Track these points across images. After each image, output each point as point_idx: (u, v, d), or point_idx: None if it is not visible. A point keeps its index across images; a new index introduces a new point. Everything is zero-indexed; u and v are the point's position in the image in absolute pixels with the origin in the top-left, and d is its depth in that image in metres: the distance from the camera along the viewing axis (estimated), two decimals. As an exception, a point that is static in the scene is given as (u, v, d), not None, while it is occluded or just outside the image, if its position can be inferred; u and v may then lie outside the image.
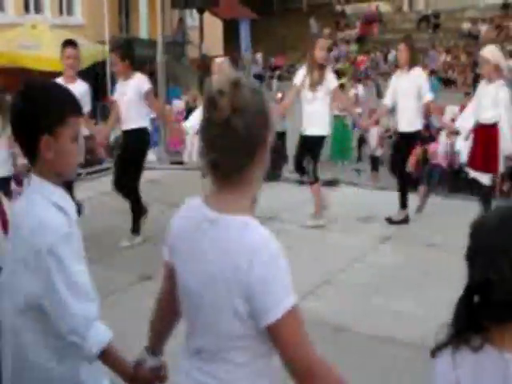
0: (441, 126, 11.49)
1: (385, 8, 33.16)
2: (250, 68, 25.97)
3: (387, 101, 6.88)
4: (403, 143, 6.83)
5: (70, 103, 1.93)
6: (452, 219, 6.28)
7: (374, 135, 17.07)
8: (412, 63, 6.51)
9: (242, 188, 1.66)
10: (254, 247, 1.58)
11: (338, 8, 34.84)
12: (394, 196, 6.76)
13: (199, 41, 18.09)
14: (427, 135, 14.51)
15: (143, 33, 19.07)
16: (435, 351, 1.57)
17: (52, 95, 1.92)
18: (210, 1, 16.85)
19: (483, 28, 28.10)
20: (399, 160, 6.84)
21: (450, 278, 1.69)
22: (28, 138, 1.89)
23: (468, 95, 18.37)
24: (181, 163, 12.01)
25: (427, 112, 7.66)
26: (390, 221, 6.59)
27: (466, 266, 1.51)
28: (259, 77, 28.13)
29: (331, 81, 6.56)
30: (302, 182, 7.22)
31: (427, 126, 14.47)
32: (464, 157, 12.92)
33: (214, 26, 23.02)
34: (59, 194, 1.95)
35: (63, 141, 1.88)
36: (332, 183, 7.80)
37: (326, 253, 5.78)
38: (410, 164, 7.84)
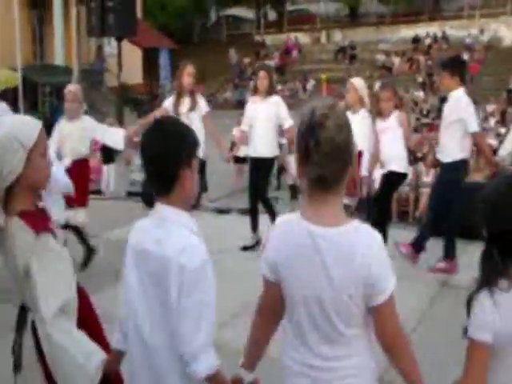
0: None
1: (303, 39, 33.95)
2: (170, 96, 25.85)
3: (244, 127, 6.88)
4: (255, 168, 6.88)
5: None
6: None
7: (293, 164, 17.25)
8: (270, 90, 6.62)
9: (340, 199, 1.95)
10: (371, 245, 1.91)
11: (258, 38, 35.42)
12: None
13: (118, 69, 17.81)
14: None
15: (59, 60, 18.64)
16: (470, 297, 1.96)
17: None
18: (128, 30, 16.61)
19: (396, 60, 29.21)
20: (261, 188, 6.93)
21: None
22: None
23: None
24: (98, 192, 11.67)
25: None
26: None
27: (484, 225, 1.97)
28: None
29: (203, 107, 6.67)
30: (221, 211, 7.14)
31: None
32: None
33: (133, 55, 22.84)
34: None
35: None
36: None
37: (246, 281, 5.67)
38: None
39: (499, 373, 1.97)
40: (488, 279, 1.92)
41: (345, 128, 1.89)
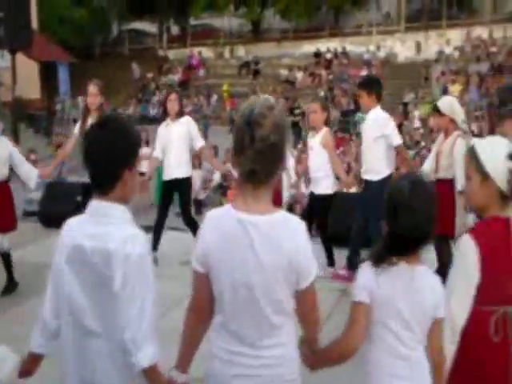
0: (218, 171, 11.85)
1: (207, 54, 33.95)
2: (70, 112, 25.05)
3: (157, 153, 6.91)
4: (170, 190, 7.01)
5: None
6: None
7: (197, 178, 17.09)
8: (181, 111, 6.78)
9: (269, 192, 2.05)
10: (298, 233, 2.04)
11: (161, 53, 35.09)
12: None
13: (12, 83, 17.01)
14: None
15: None
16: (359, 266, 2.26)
17: None
18: (22, 42, 15.88)
19: (299, 75, 29.74)
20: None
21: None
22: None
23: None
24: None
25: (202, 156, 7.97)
26: None
27: (387, 220, 2.21)
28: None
29: None
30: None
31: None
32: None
33: (28, 68, 21.93)
34: None
35: None
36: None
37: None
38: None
39: (375, 345, 2.24)
40: (376, 254, 2.22)
41: (281, 128, 2.00)
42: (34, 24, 25.31)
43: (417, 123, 22.02)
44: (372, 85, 6.30)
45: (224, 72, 31.82)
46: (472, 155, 2.47)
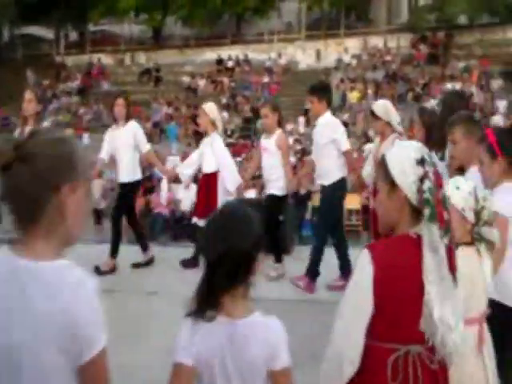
0: (163, 175, 11.85)
1: (107, 61, 33.17)
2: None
3: (103, 154, 6.99)
4: (123, 193, 6.97)
5: None
6: (172, 267, 6.67)
7: (97, 187, 16.59)
8: (128, 117, 6.83)
9: (51, 232, 1.67)
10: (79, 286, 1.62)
11: (59, 59, 33.94)
12: (120, 248, 6.85)
13: None
14: (150, 185, 14.53)
15: None
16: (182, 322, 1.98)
17: None
18: None
19: (201, 82, 29.61)
20: (120, 210, 6.93)
21: (169, 326, 1.96)
22: None
23: (189, 146, 19.03)
24: None
25: (148, 162, 8.05)
26: (98, 271, 6.52)
27: (202, 254, 2.01)
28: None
29: None
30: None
31: (150, 176, 14.51)
32: (186, 204, 13.27)
33: None
34: None
35: None
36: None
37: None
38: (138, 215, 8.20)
39: None
40: (196, 308, 1.98)
41: (36, 159, 1.65)
42: None
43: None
44: (323, 90, 6.39)
45: (124, 79, 31.18)
46: (380, 162, 2.19)
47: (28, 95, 6.65)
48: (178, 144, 22.31)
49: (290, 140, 21.27)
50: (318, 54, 31.03)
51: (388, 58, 27.98)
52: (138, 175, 7.00)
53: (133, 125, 6.89)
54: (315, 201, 11.37)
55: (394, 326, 2.06)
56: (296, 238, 10.78)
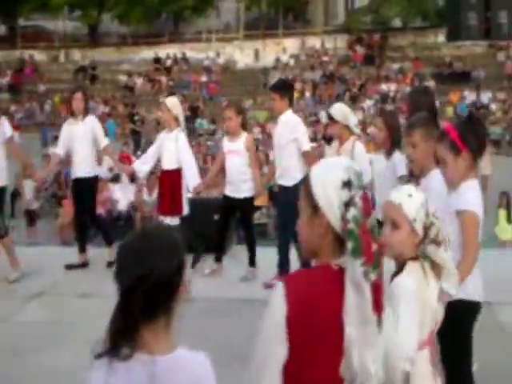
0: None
1: (40, 57, 32.28)
2: None
3: (59, 150, 6.91)
4: (78, 189, 6.88)
5: None
6: (108, 269, 6.45)
7: (29, 188, 16.07)
8: (86, 111, 6.80)
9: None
10: None
11: (-14, 55, 32.80)
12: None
13: None
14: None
15: None
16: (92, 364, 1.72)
17: None
18: None
19: (138, 81, 29.21)
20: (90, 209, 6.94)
21: (103, 329, 1.72)
22: None
23: (126, 145, 18.68)
24: None
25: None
26: (69, 267, 6.68)
27: (115, 280, 1.73)
28: None
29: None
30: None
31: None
32: (123, 204, 13.03)
33: None
34: None
35: None
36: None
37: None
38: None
39: None
40: (111, 344, 1.69)
41: None
42: None
43: (255, 129, 22.48)
44: (285, 88, 6.31)
45: (59, 77, 30.42)
46: (304, 182, 1.91)
47: None
48: (114, 143, 21.91)
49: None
50: (257, 54, 31.15)
51: (325, 58, 28.36)
52: (95, 170, 6.97)
53: (91, 119, 6.83)
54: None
55: (308, 368, 1.80)
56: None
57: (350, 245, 1.76)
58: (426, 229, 2.38)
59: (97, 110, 26.05)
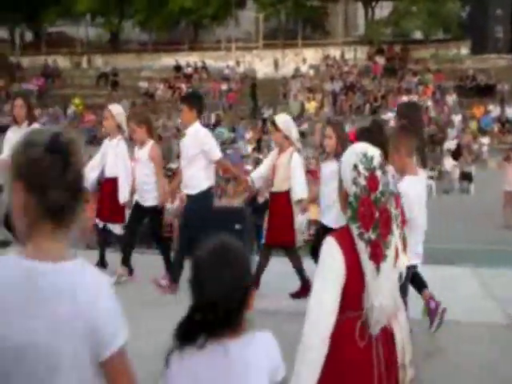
0: None
1: (63, 63, 32.67)
2: None
3: (4, 156, 6.52)
4: None
5: None
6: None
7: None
8: (30, 118, 6.48)
9: (68, 232, 1.72)
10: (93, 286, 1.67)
11: (13, 60, 33.22)
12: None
13: None
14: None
15: None
16: (167, 359, 1.92)
17: None
18: None
19: (159, 87, 29.47)
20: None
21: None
22: None
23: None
24: None
25: None
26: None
27: (192, 291, 1.91)
28: None
29: None
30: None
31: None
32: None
33: None
34: None
35: None
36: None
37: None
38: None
39: None
40: (180, 340, 1.92)
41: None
42: None
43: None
44: (193, 100, 6.37)
45: (81, 82, 30.79)
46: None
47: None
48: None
49: (249, 149, 21.42)
50: (276, 64, 31.32)
51: (345, 69, 28.46)
52: None
53: (35, 127, 6.32)
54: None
55: (356, 297, 2.41)
56: (255, 246, 10.80)
57: (348, 212, 2.43)
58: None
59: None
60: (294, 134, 6.06)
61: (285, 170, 5.97)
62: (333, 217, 5.34)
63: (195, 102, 6.29)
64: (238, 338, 1.91)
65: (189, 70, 30.81)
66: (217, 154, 6.23)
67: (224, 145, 22.56)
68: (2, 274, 1.63)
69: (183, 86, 29.22)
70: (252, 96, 27.17)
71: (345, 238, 2.41)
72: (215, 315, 1.86)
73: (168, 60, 31.82)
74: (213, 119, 25.69)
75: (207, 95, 28.63)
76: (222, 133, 24.36)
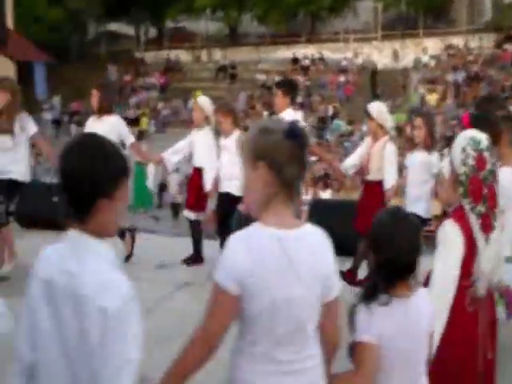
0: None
1: (184, 57, 33.75)
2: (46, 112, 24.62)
3: None
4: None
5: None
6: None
7: (174, 182, 16.88)
8: (109, 110, 6.52)
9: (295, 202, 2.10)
10: (323, 244, 2.07)
11: (138, 55, 34.78)
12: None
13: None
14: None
15: None
16: (353, 307, 2.32)
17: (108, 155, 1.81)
18: (-3, 40, 15.56)
19: (276, 79, 29.67)
20: None
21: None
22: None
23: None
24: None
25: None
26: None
27: (373, 251, 2.35)
28: (57, 122, 26.79)
29: (31, 127, 6.06)
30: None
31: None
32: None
33: (4, 67, 21.46)
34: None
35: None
36: (130, 231, 7.31)
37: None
38: None
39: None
40: (366, 294, 2.31)
41: None
42: (9, 23, 24.83)
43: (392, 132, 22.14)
44: (289, 87, 6.36)
45: (201, 76, 31.66)
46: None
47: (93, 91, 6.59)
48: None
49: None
50: (395, 54, 30.61)
51: (469, 58, 27.30)
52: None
53: (113, 119, 6.50)
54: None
55: (470, 268, 2.75)
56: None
57: (460, 189, 2.79)
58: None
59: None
60: (388, 122, 5.97)
61: (378, 159, 5.89)
62: (423, 207, 5.48)
63: (291, 89, 6.31)
64: (408, 292, 2.29)
65: (306, 62, 30.82)
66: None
67: (343, 137, 22.42)
68: (262, 243, 1.95)
69: (300, 78, 29.29)
70: (372, 85, 26.78)
71: (460, 218, 2.74)
72: (394, 274, 2.27)
73: (285, 52, 32.00)
74: (330, 111, 25.58)
75: (324, 87, 28.57)
76: (339, 125, 24.20)
